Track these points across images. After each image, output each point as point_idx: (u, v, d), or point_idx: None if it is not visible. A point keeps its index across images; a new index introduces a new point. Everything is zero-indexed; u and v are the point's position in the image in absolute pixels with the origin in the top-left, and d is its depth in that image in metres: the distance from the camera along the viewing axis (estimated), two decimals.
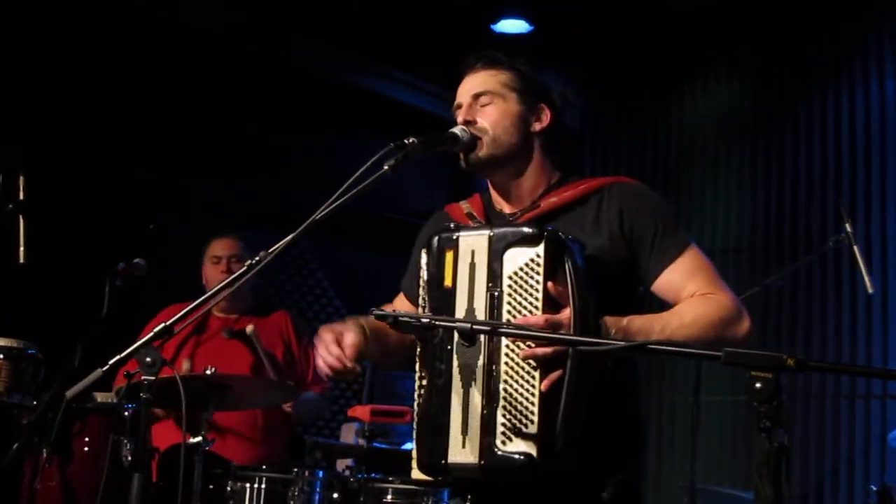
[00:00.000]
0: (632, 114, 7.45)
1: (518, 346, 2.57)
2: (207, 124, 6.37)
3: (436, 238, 2.75)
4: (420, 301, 2.76)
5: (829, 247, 5.24)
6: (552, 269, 2.58)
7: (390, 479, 4.48)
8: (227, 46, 6.36)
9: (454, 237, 2.72)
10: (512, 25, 6.83)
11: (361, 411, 5.03)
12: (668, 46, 7.07)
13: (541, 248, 2.59)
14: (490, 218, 2.94)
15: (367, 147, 2.72)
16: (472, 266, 2.67)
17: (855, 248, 5.01)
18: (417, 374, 2.72)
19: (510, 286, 2.61)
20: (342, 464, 5.13)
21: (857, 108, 6.52)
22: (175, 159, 6.29)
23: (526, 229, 2.63)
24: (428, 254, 2.75)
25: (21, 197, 4.41)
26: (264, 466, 4.62)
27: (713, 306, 2.73)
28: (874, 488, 4.75)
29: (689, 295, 2.75)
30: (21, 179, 4.42)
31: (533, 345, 2.54)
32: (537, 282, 2.58)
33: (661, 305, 2.80)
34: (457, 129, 2.86)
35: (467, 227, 2.78)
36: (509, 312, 2.60)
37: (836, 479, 6.25)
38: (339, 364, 2.74)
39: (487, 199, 3.02)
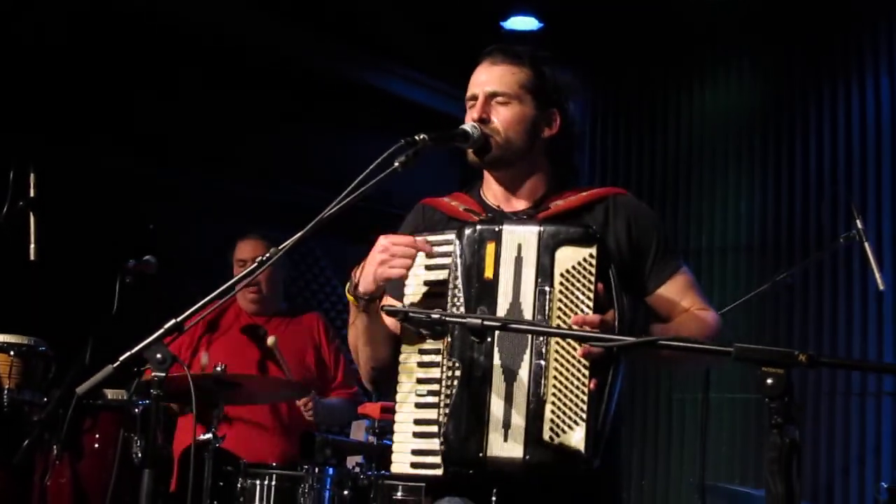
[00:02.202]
0: (642, 111, 7.43)
1: (570, 345, 2.55)
2: (221, 124, 6.37)
3: (473, 228, 2.68)
4: (450, 292, 2.66)
5: (840, 244, 5.22)
6: (601, 270, 2.60)
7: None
8: (241, 46, 6.37)
9: (496, 229, 2.67)
10: (522, 23, 6.82)
11: (371, 408, 5.01)
12: (677, 43, 7.05)
13: (594, 249, 2.60)
14: (491, 214, 2.89)
15: (374, 143, 2.70)
16: (519, 260, 2.64)
17: (866, 244, 4.99)
18: (442, 366, 2.64)
19: (563, 283, 2.60)
20: (352, 461, 5.12)
21: (868, 104, 6.49)
22: (191, 157, 6.29)
23: (580, 228, 2.64)
24: (461, 243, 2.67)
25: (32, 194, 4.42)
26: (274, 464, 4.63)
27: (707, 321, 2.88)
28: (885, 486, 4.74)
29: (683, 310, 2.88)
30: (32, 176, 4.43)
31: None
32: (590, 282, 2.59)
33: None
34: (467, 126, 2.83)
35: (509, 220, 2.75)
36: (561, 310, 2.59)
37: (847, 476, 6.23)
38: (412, 248, 2.69)
39: (477, 195, 2.97)
